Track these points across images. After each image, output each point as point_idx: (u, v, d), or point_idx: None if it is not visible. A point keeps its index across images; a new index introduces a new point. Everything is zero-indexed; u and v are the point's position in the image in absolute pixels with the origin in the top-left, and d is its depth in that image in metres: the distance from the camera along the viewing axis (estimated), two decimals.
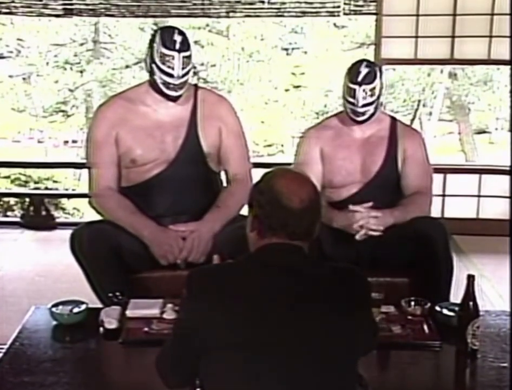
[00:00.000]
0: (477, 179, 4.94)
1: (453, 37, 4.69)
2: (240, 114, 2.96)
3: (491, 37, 4.65)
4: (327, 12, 4.84)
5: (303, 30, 13.98)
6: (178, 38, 2.60)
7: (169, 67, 2.59)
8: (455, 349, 2.05)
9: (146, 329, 2.15)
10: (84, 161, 2.87)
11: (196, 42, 11.68)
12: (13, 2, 4.79)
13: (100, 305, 2.42)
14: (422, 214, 2.75)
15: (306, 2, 4.81)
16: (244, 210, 2.42)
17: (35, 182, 8.88)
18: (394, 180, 2.87)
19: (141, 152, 2.69)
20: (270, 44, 13.12)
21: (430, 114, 13.17)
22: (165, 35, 2.60)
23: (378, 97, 2.78)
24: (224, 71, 12.70)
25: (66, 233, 2.72)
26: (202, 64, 12.46)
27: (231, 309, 1.48)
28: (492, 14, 4.61)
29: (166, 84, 2.63)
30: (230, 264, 1.68)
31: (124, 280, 2.54)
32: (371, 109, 2.78)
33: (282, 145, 14.47)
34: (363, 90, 2.74)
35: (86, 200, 2.92)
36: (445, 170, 4.91)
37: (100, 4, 4.82)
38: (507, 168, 4.59)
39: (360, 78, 2.74)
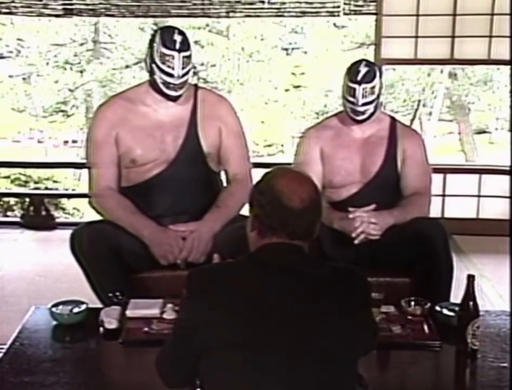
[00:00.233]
0: (477, 179, 4.94)
1: (453, 37, 4.69)
2: (240, 114, 2.96)
3: (491, 37, 4.65)
4: (327, 12, 4.85)
5: (303, 30, 13.98)
6: (178, 37, 2.60)
7: (169, 67, 2.59)
8: (455, 349, 2.05)
9: (146, 329, 2.15)
10: (84, 161, 2.87)
11: (196, 42, 11.68)
12: (13, 2, 4.79)
13: (100, 305, 2.42)
14: (421, 215, 2.75)
15: (306, 2, 4.81)
16: (244, 210, 2.43)
17: (35, 182, 8.89)
18: (393, 180, 2.87)
19: (141, 152, 2.69)
20: (270, 44, 13.12)
21: (430, 114, 13.17)
22: (165, 35, 2.60)
23: (378, 97, 2.78)
24: (224, 71, 12.70)
25: (66, 233, 2.72)
26: (202, 64, 12.46)
27: (231, 308, 1.48)
28: (492, 14, 4.61)
29: (166, 84, 2.62)
30: (230, 263, 1.68)
31: (124, 280, 2.54)
32: (370, 108, 2.78)
33: (282, 145, 14.47)
34: (363, 89, 2.74)
35: (86, 200, 2.92)
36: (445, 170, 4.91)
37: (100, 4, 4.82)
38: (507, 168, 4.59)
39: (359, 77, 2.74)
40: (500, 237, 4.15)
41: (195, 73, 11.50)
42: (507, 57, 4.44)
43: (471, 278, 2.03)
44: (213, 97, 2.86)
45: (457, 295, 2.36)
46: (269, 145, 14.44)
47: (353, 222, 2.67)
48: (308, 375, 1.45)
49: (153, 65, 2.62)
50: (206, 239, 2.62)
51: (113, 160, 2.73)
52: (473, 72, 12.28)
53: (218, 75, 12.74)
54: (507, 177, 4.71)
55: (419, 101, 12.81)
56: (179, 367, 1.58)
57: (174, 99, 2.68)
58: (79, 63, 12.98)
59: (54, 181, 9.09)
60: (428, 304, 2.27)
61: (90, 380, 1.95)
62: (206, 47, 12.51)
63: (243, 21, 11.02)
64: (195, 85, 2.88)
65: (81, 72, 12.92)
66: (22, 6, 4.82)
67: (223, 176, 2.89)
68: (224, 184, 2.88)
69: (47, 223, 5.12)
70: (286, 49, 14.29)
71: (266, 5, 4.79)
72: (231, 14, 4.86)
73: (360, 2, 4.74)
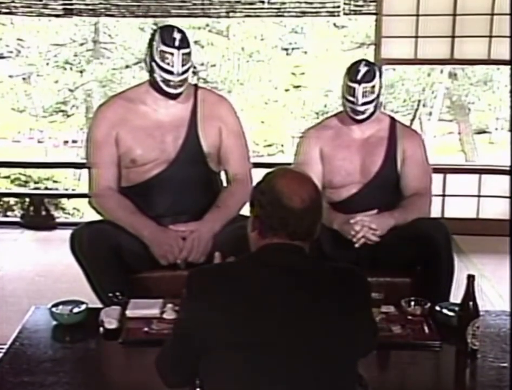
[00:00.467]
0: (477, 179, 4.95)
1: (453, 37, 4.69)
2: (240, 114, 2.95)
3: (491, 37, 4.65)
4: (327, 12, 4.85)
5: (303, 30, 13.98)
6: (177, 35, 2.60)
7: (168, 64, 2.59)
8: (455, 349, 2.05)
9: (146, 329, 2.15)
10: (84, 161, 2.87)
11: (196, 42, 11.68)
12: (13, 2, 4.80)
13: (100, 305, 2.42)
14: (422, 215, 2.75)
15: (306, 2, 4.81)
16: (245, 210, 2.43)
17: (35, 182, 8.89)
18: (393, 181, 2.87)
19: (141, 152, 2.69)
20: (270, 44, 13.12)
21: (430, 114, 13.17)
22: (165, 33, 2.60)
23: (378, 96, 2.78)
24: (224, 71, 12.70)
25: (66, 233, 2.72)
26: (202, 64, 12.46)
27: (231, 308, 1.48)
28: (492, 14, 4.62)
29: (166, 82, 2.62)
30: (231, 263, 1.68)
31: (124, 280, 2.54)
32: (370, 107, 2.78)
33: (282, 145, 14.47)
34: (363, 88, 2.74)
35: (86, 200, 2.92)
36: (445, 170, 4.92)
37: (100, 4, 4.82)
38: (507, 168, 4.59)
39: (359, 77, 2.74)
40: (500, 237, 4.15)
41: (194, 73, 11.50)
42: (507, 57, 4.44)
43: (471, 278, 2.03)
44: (213, 97, 2.85)
45: (457, 295, 2.36)
46: (269, 145, 14.44)
47: (353, 226, 2.68)
48: (308, 375, 1.45)
49: (153, 64, 2.62)
50: (206, 239, 2.62)
51: (113, 160, 2.73)
52: (473, 72, 12.28)
53: (218, 75, 12.74)
54: (507, 177, 4.71)
55: (419, 101, 12.81)
56: (179, 367, 1.58)
57: (174, 97, 2.68)
58: (79, 63, 12.98)
59: (54, 181, 9.09)
60: (428, 304, 2.27)
61: (90, 380, 1.95)
62: (206, 47, 12.51)
63: (243, 21, 11.03)
64: (195, 85, 2.88)
65: (81, 72, 12.93)
66: (22, 6, 4.82)
67: (223, 176, 2.89)
68: (224, 184, 2.88)
69: (47, 223, 5.12)
70: (286, 49, 14.29)
71: (266, 5, 4.79)
72: (231, 14, 4.86)
73: (360, 2, 4.74)
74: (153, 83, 2.67)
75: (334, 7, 4.78)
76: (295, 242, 1.55)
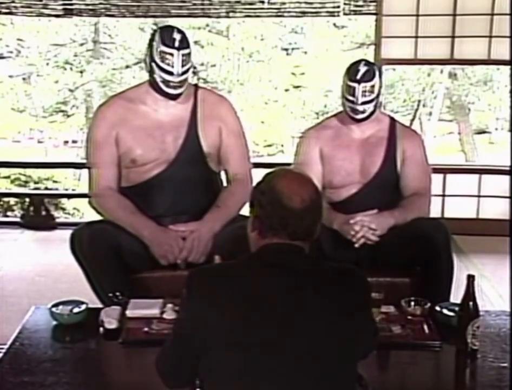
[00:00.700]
0: (476, 179, 4.95)
1: (453, 37, 4.69)
2: (240, 114, 2.96)
3: (491, 37, 4.65)
4: (327, 12, 4.85)
5: (303, 30, 13.98)
6: (177, 36, 2.60)
7: (168, 65, 2.59)
8: (455, 349, 2.05)
9: (146, 329, 2.15)
10: (84, 161, 2.87)
11: (196, 42, 11.68)
12: (13, 2, 4.80)
13: (100, 305, 2.42)
14: (421, 215, 2.75)
15: (306, 2, 4.81)
16: (244, 210, 2.43)
17: (35, 182, 8.89)
18: (393, 181, 2.87)
19: (141, 152, 2.69)
20: (270, 44, 13.12)
21: (430, 114, 13.17)
22: (165, 33, 2.60)
23: (377, 96, 2.79)
24: (224, 71, 12.70)
25: (66, 233, 2.72)
26: (202, 64, 12.46)
27: (231, 308, 1.48)
28: (492, 14, 4.62)
29: (166, 82, 2.62)
30: (231, 263, 1.68)
31: (124, 280, 2.54)
32: (370, 107, 2.78)
33: (282, 145, 14.47)
34: (363, 88, 2.74)
35: (86, 200, 2.92)
36: (445, 170, 4.92)
37: (100, 4, 4.82)
38: (507, 168, 4.59)
39: (359, 76, 2.74)
40: (500, 237, 4.14)
41: (194, 74, 11.50)
42: (507, 57, 4.43)
43: (471, 278, 2.03)
44: (213, 97, 2.86)
45: (457, 295, 2.36)
46: (269, 145, 14.43)
47: (353, 226, 2.68)
48: (308, 375, 1.45)
49: (153, 64, 2.62)
50: (206, 239, 2.62)
51: (113, 160, 2.73)
52: (473, 72, 12.28)
53: (218, 75, 12.74)
54: (507, 177, 4.71)
55: (419, 101, 12.81)
56: (179, 367, 1.58)
57: (174, 97, 2.68)
58: (79, 63, 12.98)
59: (54, 181, 9.09)
60: (428, 304, 2.27)
61: (90, 380, 1.95)
62: (206, 47, 12.51)
63: (243, 21, 11.03)
64: (195, 85, 2.88)
65: (81, 72, 12.92)
66: (22, 6, 4.82)
67: (223, 176, 2.89)
68: (224, 184, 2.88)
69: (47, 223, 5.12)
70: (286, 49, 14.29)
71: (266, 5, 4.79)
72: (231, 14, 4.86)
73: (360, 2, 4.75)
74: (153, 84, 2.67)
75: (334, 7, 4.78)
76: (295, 242, 1.56)
